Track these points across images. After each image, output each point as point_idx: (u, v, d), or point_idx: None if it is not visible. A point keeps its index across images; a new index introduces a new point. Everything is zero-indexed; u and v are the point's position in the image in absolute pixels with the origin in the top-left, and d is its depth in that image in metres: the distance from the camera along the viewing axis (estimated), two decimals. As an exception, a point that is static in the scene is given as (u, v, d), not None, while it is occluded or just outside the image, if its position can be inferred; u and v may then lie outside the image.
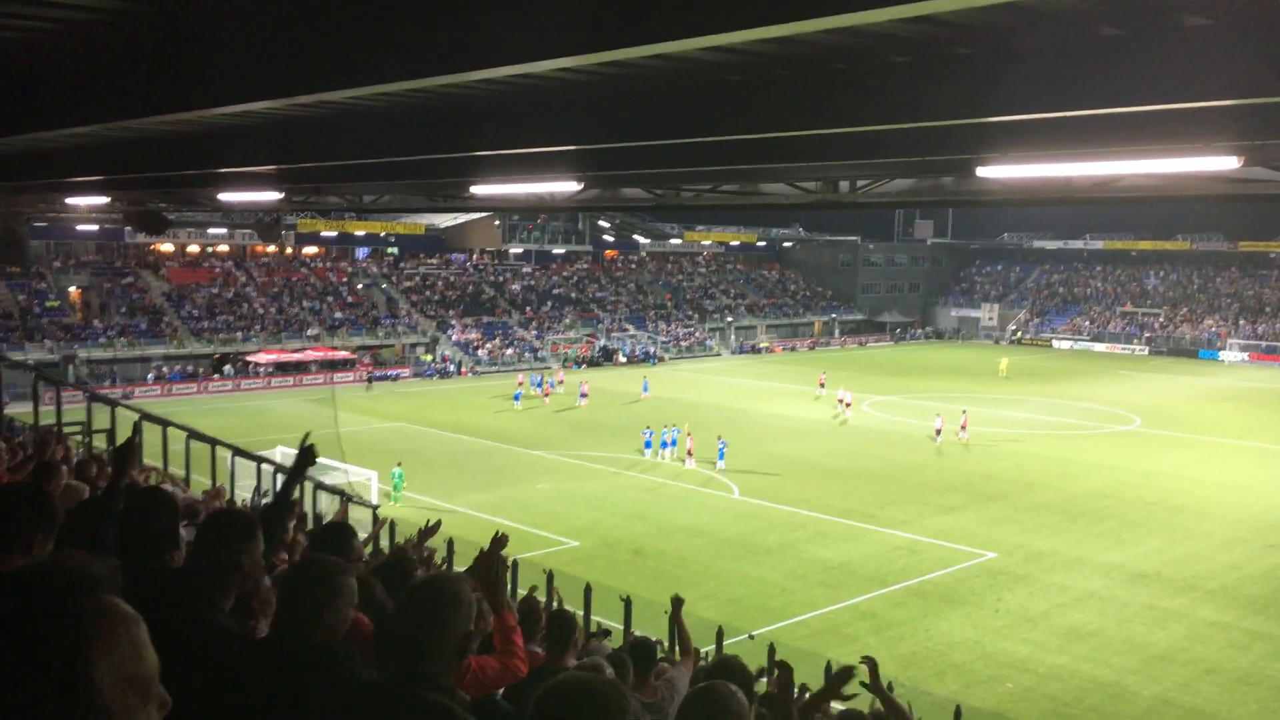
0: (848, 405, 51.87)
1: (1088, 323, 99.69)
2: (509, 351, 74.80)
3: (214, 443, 18.66)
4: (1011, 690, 20.01)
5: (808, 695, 8.01)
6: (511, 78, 6.83)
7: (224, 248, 75.07)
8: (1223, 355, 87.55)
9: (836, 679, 5.01)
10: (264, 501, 17.16)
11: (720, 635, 16.10)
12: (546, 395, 56.68)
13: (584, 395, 55.61)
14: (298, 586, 3.51)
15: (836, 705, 6.98)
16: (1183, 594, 25.70)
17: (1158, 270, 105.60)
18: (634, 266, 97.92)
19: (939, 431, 44.71)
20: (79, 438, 17.06)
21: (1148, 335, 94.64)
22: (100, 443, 17.88)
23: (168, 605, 3.55)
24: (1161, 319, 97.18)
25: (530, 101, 8.05)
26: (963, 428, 46.34)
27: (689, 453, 39.77)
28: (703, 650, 14.78)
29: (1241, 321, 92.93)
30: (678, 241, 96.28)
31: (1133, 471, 39.91)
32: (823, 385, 59.27)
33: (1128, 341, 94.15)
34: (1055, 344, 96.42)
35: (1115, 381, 70.27)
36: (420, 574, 6.19)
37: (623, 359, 77.14)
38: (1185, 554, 29.06)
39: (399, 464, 34.23)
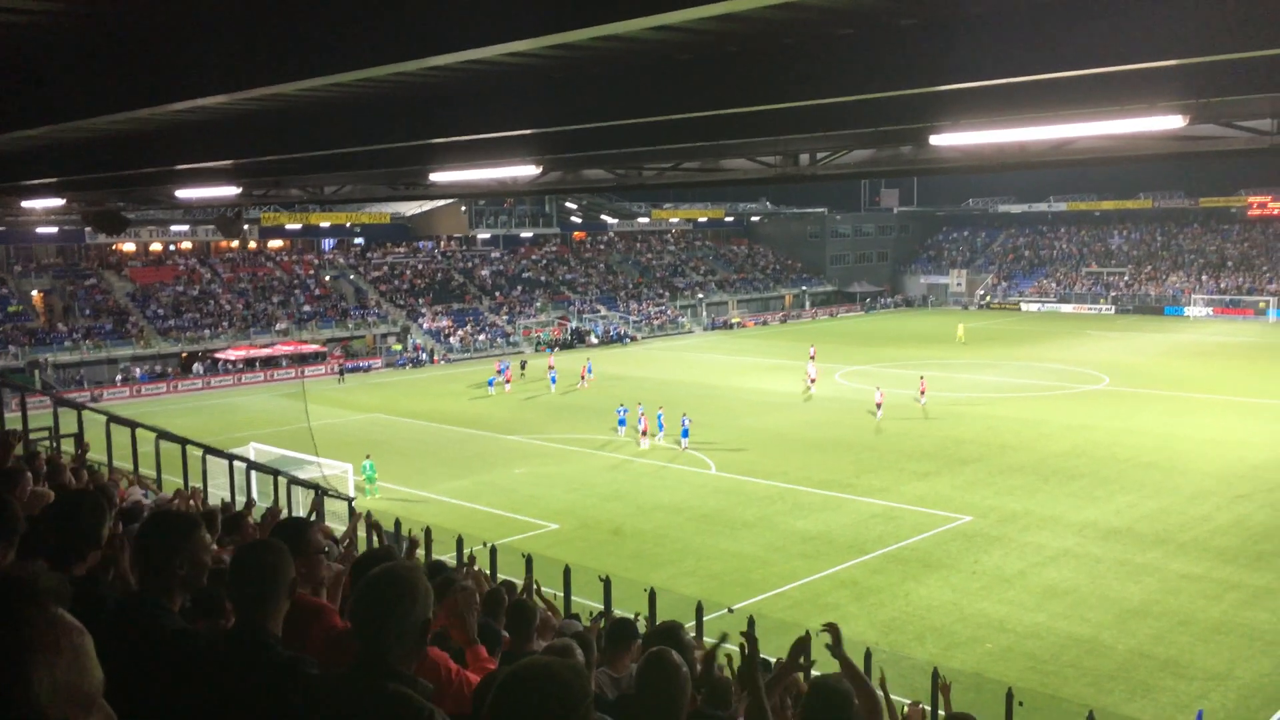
0: (813, 381, 52.05)
1: (1054, 284, 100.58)
2: (481, 338, 74.58)
3: (184, 442, 18.52)
4: (991, 650, 20.29)
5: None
6: (464, 64, 6.80)
7: (187, 245, 74.28)
8: (1188, 311, 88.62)
9: (794, 649, 5.08)
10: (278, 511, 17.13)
11: (700, 610, 16.18)
12: (508, 381, 55.57)
13: (584, 377, 55.63)
14: (236, 578, 3.55)
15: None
16: (1155, 548, 26.10)
17: (1121, 229, 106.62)
18: (603, 247, 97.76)
19: (879, 405, 43.85)
20: (46, 443, 16.89)
21: (1113, 294, 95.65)
22: (68, 447, 17.73)
23: (112, 611, 3.57)
24: (1126, 278, 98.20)
25: (485, 87, 8.02)
26: (921, 392, 47.01)
27: (643, 431, 39.70)
28: (687, 625, 14.91)
29: (1205, 277, 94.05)
30: (646, 220, 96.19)
31: (1103, 430, 40.40)
32: (813, 359, 59.41)
33: (1094, 301, 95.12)
34: (1023, 307, 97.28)
35: (1083, 342, 71.01)
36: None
37: (595, 340, 77.12)
38: (1156, 509, 29.50)
39: (368, 456, 34.13)
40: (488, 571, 17.61)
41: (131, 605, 3.65)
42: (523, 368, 60.64)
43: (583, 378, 55.74)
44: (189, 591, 3.99)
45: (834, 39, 6.26)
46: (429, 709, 2.83)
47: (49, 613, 1.66)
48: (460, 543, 19.51)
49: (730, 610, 19.26)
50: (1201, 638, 20.63)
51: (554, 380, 54.69)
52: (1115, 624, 21.41)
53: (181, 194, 18.54)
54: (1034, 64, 5.84)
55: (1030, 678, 18.56)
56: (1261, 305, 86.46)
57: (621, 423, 41.17)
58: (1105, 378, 54.01)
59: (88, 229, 58.97)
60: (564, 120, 8.06)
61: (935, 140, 8.48)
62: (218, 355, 63.38)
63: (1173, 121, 6.97)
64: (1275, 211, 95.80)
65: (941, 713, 8.66)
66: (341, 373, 62.80)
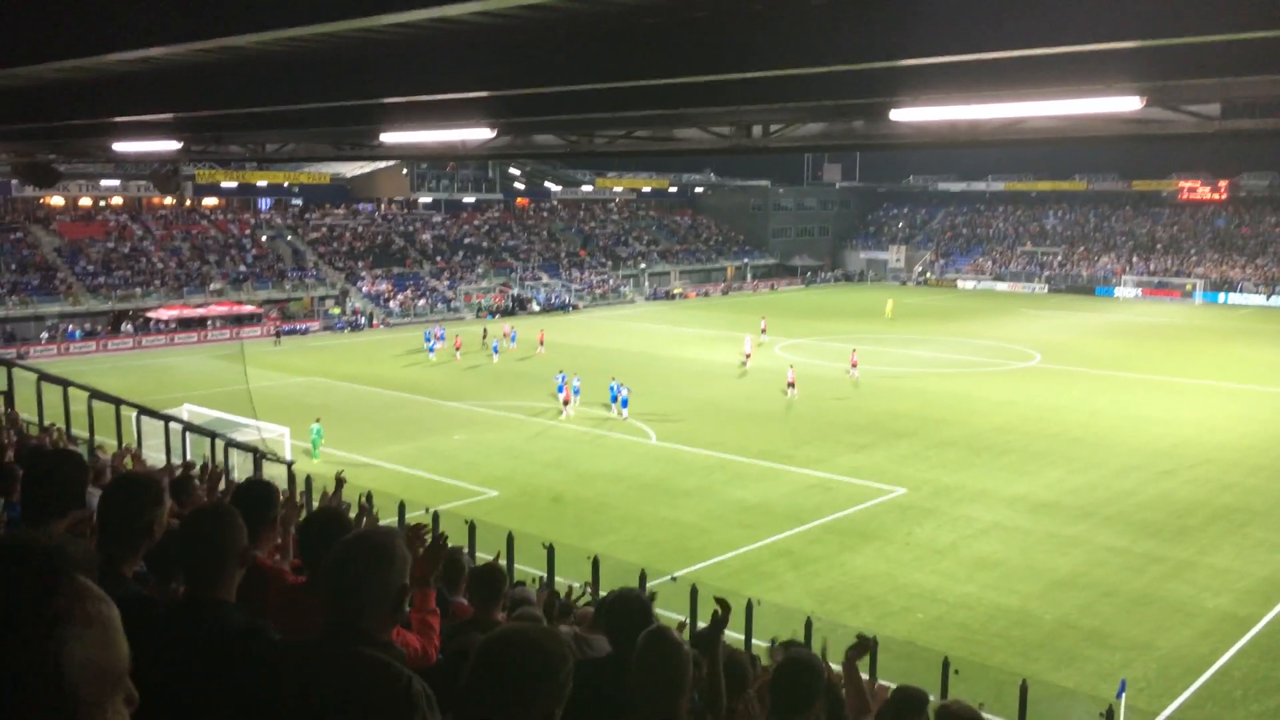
0: (748, 356, 52.24)
1: (990, 263, 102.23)
2: (421, 303, 73.81)
3: (118, 402, 18.08)
4: (923, 620, 20.72)
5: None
6: (426, 21, 6.67)
7: (118, 200, 72.30)
8: (1118, 291, 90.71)
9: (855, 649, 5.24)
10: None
11: (643, 578, 16.30)
12: (458, 349, 54.40)
13: (541, 343, 55.33)
14: (188, 545, 3.48)
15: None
16: (1082, 521, 26.81)
17: (1056, 210, 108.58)
18: (546, 214, 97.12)
19: (791, 385, 43.24)
20: (-26, 400, 16.38)
21: (1047, 274, 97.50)
22: (-3, 405, 17.22)
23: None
24: (1060, 258, 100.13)
25: (444, 46, 7.88)
26: (853, 365, 47.74)
27: (564, 401, 39.53)
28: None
29: (1135, 258, 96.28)
30: (589, 188, 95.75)
31: (1034, 406, 41.30)
32: (764, 332, 59.77)
33: (1028, 280, 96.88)
34: (960, 284, 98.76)
35: (1017, 320, 72.37)
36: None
37: (536, 308, 76.76)
38: (1084, 483, 30.27)
39: (317, 419, 33.69)
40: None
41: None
42: (484, 336, 58.64)
43: (540, 343, 55.51)
44: (141, 556, 3.92)
45: (806, 9, 6.25)
46: (407, 675, 2.81)
47: (78, 583, 1.59)
48: (402, 508, 19.40)
49: (673, 579, 19.42)
50: (1125, 609, 21.28)
51: (495, 349, 54.24)
52: (1043, 595, 21.98)
53: (119, 147, 18.00)
54: (995, 41, 5.90)
55: (961, 647, 18.99)
56: (1188, 287, 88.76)
57: (560, 389, 41.03)
58: (1037, 355, 55.14)
59: (14, 181, 57.19)
60: (523, 82, 7.96)
61: (895, 115, 8.53)
62: (150, 314, 61.92)
63: (1129, 103, 7.10)
64: (1205, 196, 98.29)
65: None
66: (278, 335, 61.76)
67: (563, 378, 40.96)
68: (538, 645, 2.47)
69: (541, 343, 55.65)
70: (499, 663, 2.44)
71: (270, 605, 4.33)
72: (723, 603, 4.58)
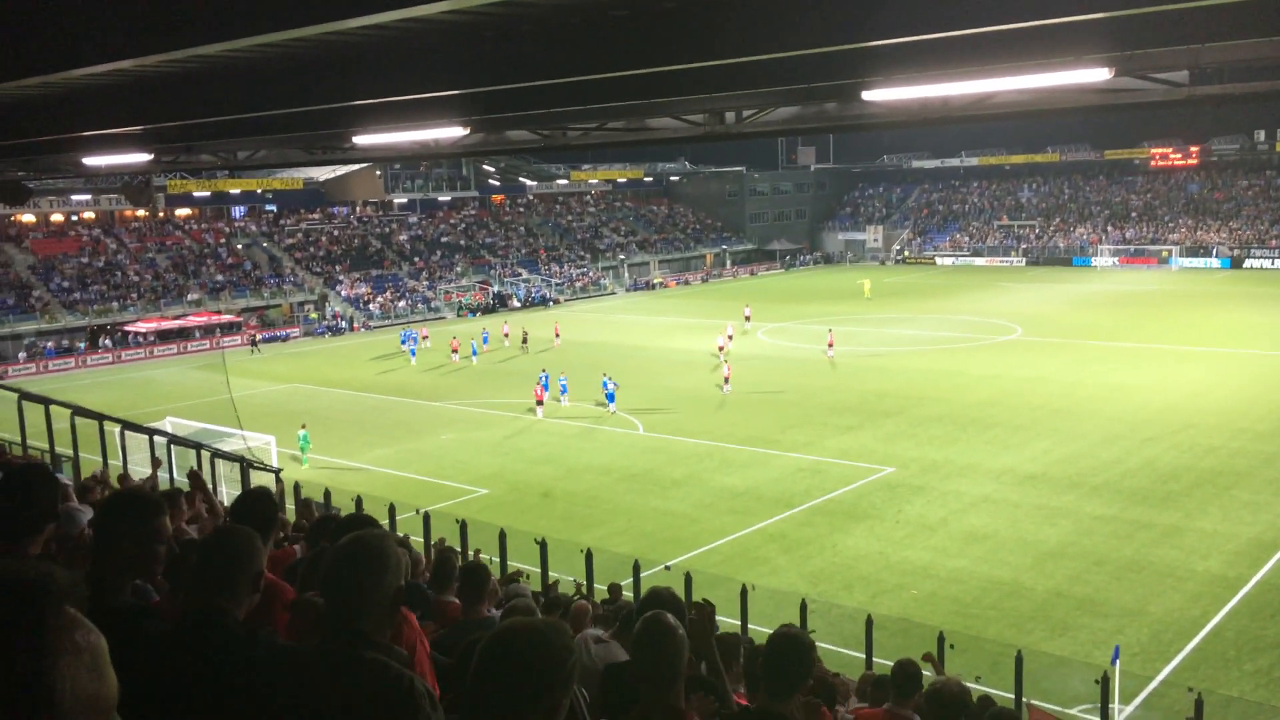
0: (722, 348, 51.28)
1: (967, 238, 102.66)
2: (401, 304, 73.57)
3: (101, 418, 17.97)
4: (916, 596, 20.85)
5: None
6: (395, 22, 6.65)
7: (90, 214, 71.76)
8: (1095, 261, 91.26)
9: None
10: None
11: (637, 568, 16.37)
12: (414, 355, 52.76)
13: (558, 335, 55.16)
14: (210, 557, 3.45)
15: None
16: (1069, 491, 27.00)
17: (1030, 183, 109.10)
18: (522, 210, 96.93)
19: (727, 380, 42.07)
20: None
21: (1024, 247, 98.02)
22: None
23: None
24: (1036, 230, 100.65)
25: (413, 47, 7.85)
26: (830, 345, 48.11)
27: (538, 400, 38.50)
28: (622, 584, 15.05)
29: (1110, 228, 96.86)
30: (564, 182, 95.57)
31: (1017, 379, 41.54)
32: (749, 319, 59.86)
33: (1006, 254, 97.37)
34: (938, 261, 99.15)
35: (996, 294, 72.74)
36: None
37: (517, 304, 76.62)
38: (1069, 453, 30.48)
39: (303, 426, 33.57)
40: (420, 539, 17.55)
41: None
42: (425, 337, 57.11)
43: (557, 335, 55.68)
44: (142, 575, 3.90)
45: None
46: (408, 676, 2.81)
47: (66, 614, 1.57)
48: (392, 511, 19.39)
49: (667, 568, 19.47)
50: (1115, 576, 21.45)
51: (475, 352, 52.66)
52: (1034, 566, 22.14)
53: (90, 161, 17.86)
54: (962, 18, 5.92)
55: (955, 620, 19.10)
56: (1164, 254, 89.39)
57: (545, 387, 40.47)
58: (1018, 328, 55.44)
59: (-17, 200, 56.64)
60: (495, 80, 7.94)
61: (866, 95, 8.56)
62: (127, 328, 61.49)
63: (1098, 74, 7.14)
64: (1177, 163, 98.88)
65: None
66: (254, 343, 61.26)
67: (545, 377, 40.32)
68: (543, 638, 2.48)
69: (525, 340, 55.27)
70: (505, 657, 2.45)
71: (278, 619, 4.34)
72: (704, 604, 4.63)
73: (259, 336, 62.62)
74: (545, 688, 2.40)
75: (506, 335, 57.38)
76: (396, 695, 2.79)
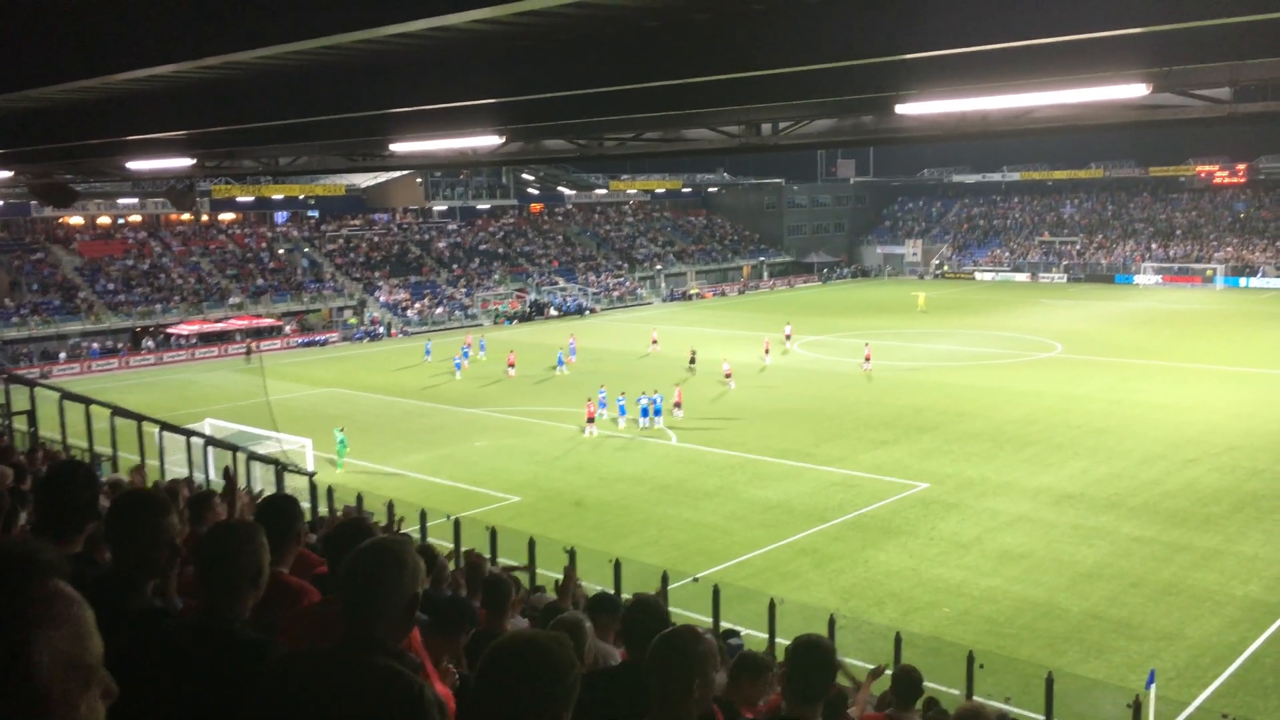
0: (766, 352, 52.03)
1: (1007, 254, 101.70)
2: (439, 310, 74.06)
3: (140, 419, 18.23)
4: (949, 614, 20.62)
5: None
6: (428, 31, 6.70)
7: (136, 218, 72.91)
8: (1137, 279, 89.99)
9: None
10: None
11: (665, 580, 16.31)
12: (458, 369, 50.52)
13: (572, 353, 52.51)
14: (221, 557, 3.46)
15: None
16: (1107, 512, 26.61)
17: (1073, 199, 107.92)
18: (560, 219, 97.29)
19: (728, 376, 41.95)
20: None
21: (1065, 263, 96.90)
22: (21, 424, 17.43)
23: (88, 588, 3.48)
24: (1078, 246, 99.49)
25: (449, 55, 7.91)
26: (866, 359, 47.82)
27: (588, 419, 37.07)
28: (653, 593, 14.99)
29: (1154, 245, 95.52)
30: (603, 191, 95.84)
31: (1056, 397, 41.03)
32: (789, 338, 57.39)
33: (1046, 270, 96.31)
34: (977, 276, 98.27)
35: (1036, 310, 71.96)
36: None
37: (554, 312, 76.86)
38: (1108, 473, 30.05)
39: (341, 428, 33.85)
40: (451, 545, 17.60)
41: (105, 582, 3.58)
42: (692, 360, 50.10)
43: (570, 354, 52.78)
44: (155, 575, 3.93)
45: (806, 6, 6.24)
46: (419, 684, 2.81)
47: (49, 586, 1.64)
48: (424, 516, 19.48)
49: (695, 580, 19.40)
50: (1153, 599, 21.10)
51: (458, 365, 50.63)
52: (1069, 587, 21.83)
53: (133, 165, 18.16)
54: (998, 32, 5.87)
55: (987, 640, 18.88)
56: (1209, 273, 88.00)
57: (602, 404, 39.07)
58: (1058, 345, 54.79)
59: (33, 202, 57.75)
60: (529, 89, 7.97)
61: (901, 109, 8.50)
62: (170, 330, 62.37)
63: (1136, 90, 7.05)
64: (1224, 180, 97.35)
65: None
66: (249, 352, 59.43)
67: (604, 394, 39.14)
68: (545, 650, 2.48)
69: (693, 360, 50.12)
70: (506, 667, 2.45)
71: (287, 623, 4.34)
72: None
73: (256, 345, 61.16)
74: (546, 699, 2.39)
75: (655, 342, 55.81)
76: (406, 702, 2.79)
